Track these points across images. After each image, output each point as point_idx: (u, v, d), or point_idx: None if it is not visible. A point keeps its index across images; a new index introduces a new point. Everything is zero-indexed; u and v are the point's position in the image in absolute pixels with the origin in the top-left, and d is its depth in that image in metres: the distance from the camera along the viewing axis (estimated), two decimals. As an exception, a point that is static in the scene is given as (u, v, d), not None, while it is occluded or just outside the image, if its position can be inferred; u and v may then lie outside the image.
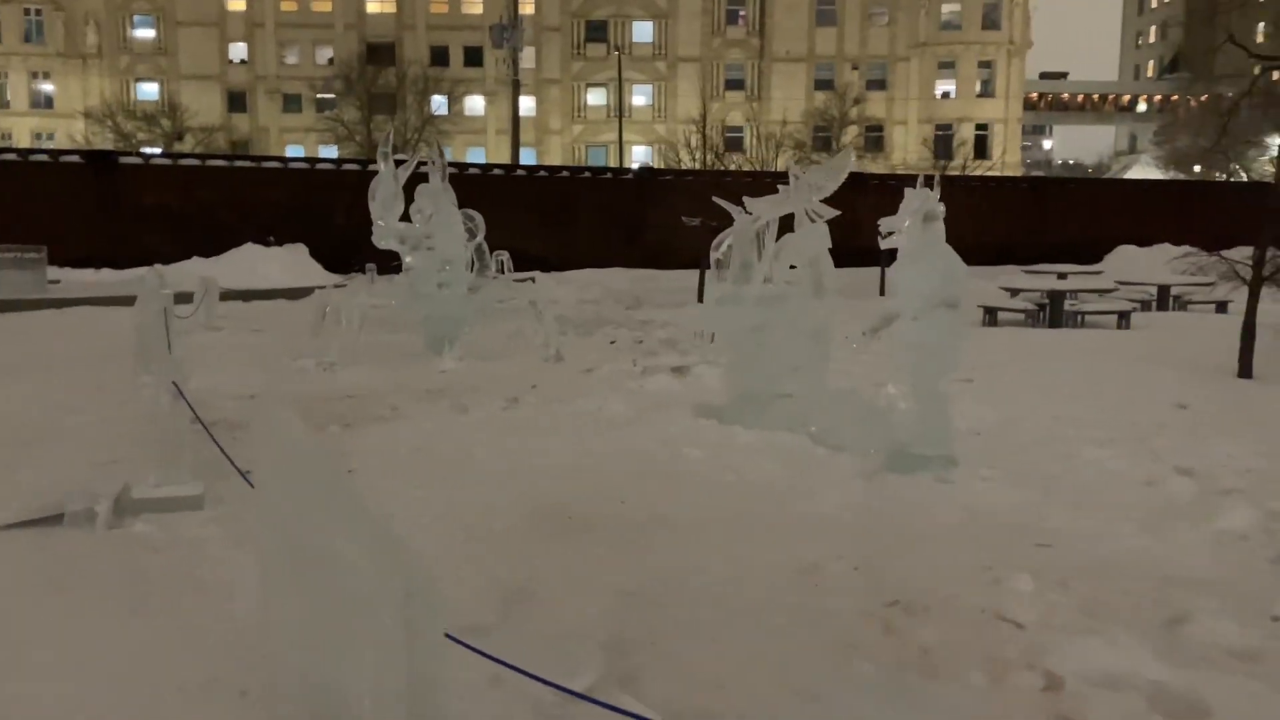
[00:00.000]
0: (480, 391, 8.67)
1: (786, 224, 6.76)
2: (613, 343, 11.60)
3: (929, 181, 5.42)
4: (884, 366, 8.90)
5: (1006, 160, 50.10)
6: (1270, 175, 51.22)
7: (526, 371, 9.77)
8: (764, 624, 3.82)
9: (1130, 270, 22.34)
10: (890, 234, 5.63)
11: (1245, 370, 9.65)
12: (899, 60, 52.21)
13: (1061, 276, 20.18)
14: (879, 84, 51.15)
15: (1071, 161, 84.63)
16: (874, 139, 49.82)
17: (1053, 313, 14.04)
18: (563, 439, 6.84)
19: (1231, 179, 49.50)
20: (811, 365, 6.43)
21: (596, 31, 53.75)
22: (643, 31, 53.28)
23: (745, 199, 6.92)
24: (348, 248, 21.44)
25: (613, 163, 48.74)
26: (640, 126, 53.19)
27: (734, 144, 47.69)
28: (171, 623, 3.86)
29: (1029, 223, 28.40)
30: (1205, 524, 4.56)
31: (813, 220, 6.38)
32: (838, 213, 6.32)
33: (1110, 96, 79.39)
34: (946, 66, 51.87)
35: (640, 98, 53.64)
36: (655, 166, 36.35)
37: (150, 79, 55.91)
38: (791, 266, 6.54)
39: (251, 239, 21.23)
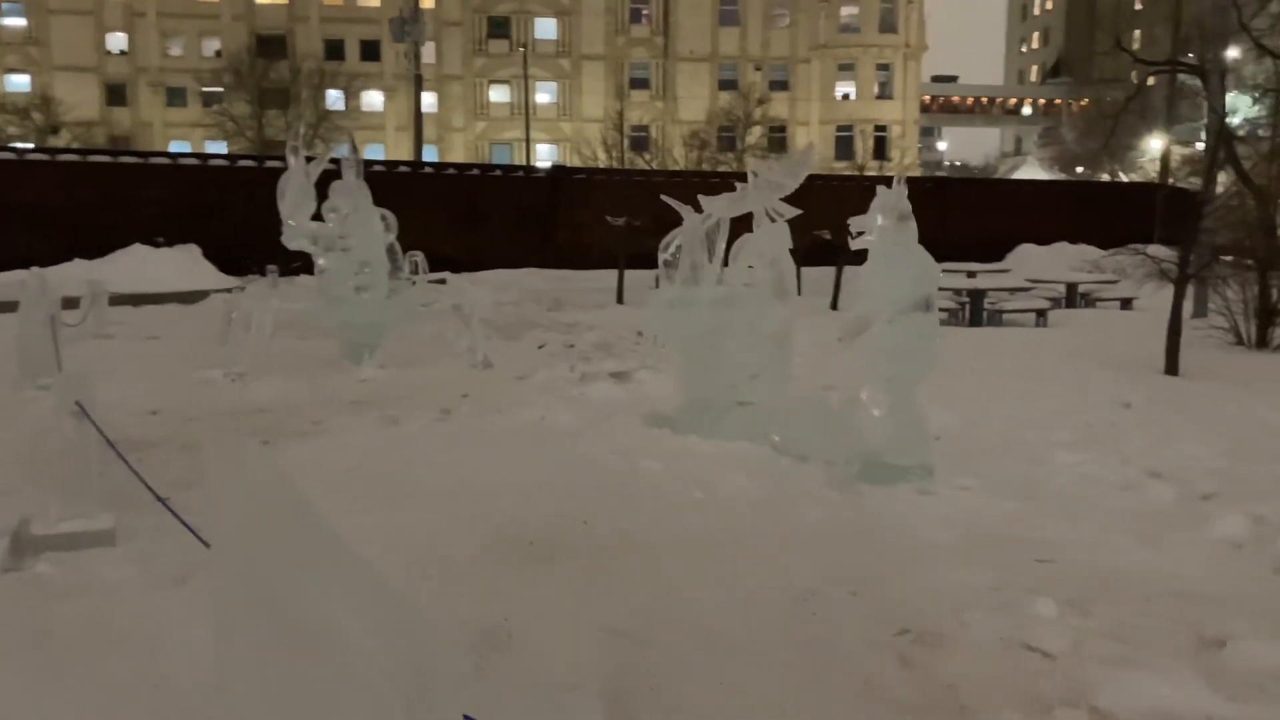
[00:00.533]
0: (408, 402, 8.15)
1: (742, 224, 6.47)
2: (541, 347, 11.16)
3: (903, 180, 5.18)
4: (835, 370, 8.79)
5: (905, 161, 51.23)
6: (1150, 177, 53.66)
7: (454, 379, 9.26)
8: (769, 661, 3.49)
9: (1033, 268, 22.92)
10: (861, 234, 5.38)
11: (1172, 368, 9.80)
12: (800, 62, 52.85)
13: (970, 275, 20.56)
14: (782, 85, 51.69)
15: (959, 163, 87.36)
16: (778, 139, 50.28)
17: (973, 311, 14.16)
18: (508, 453, 6.40)
19: (1115, 179, 51.58)
20: (773, 371, 6.14)
21: (499, 27, 52.88)
22: (546, 28, 52.66)
23: (701, 198, 6.59)
24: (243, 248, 20.41)
25: (518, 161, 48.04)
26: (545, 125, 52.55)
27: (640, 143, 47.51)
28: (86, 687, 3.31)
29: (932, 222, 28.90)
30: (1198, 533, 4.43)
31: (773, 219, 6.09)
32: (799, 211, 6.05)
33: (998, 100, 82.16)
34: (846, 68, 52.75)
35: (545, 95, 52.99)
36: (568, 165, 35.72)
37: (20, 70, 52.65)
38: (749, 267, 6.24)
39: (139, 239, 20.02)
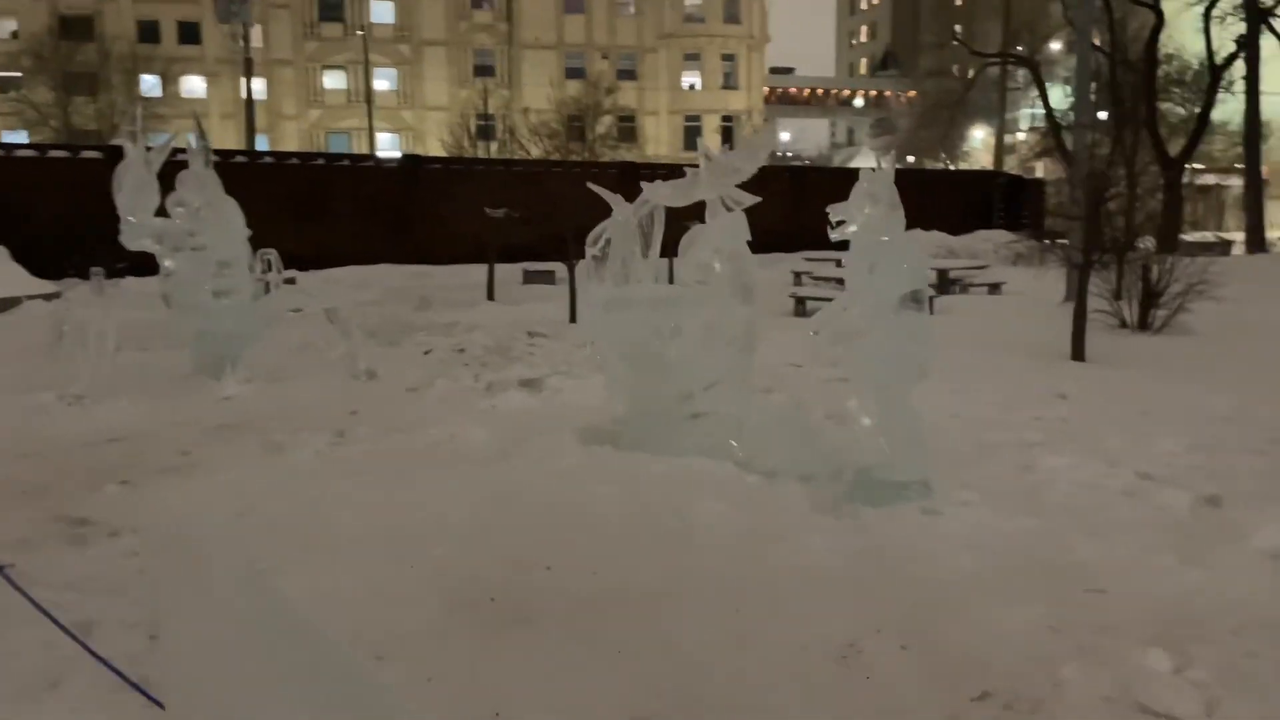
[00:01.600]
0: (288, 423, 7.09)
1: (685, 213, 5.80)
2: (428, 353, 10.17)
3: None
4: (776, 372, 8.27)
5: (752, 150, 51.93)
6: (979, 165, 56.31)
7: (335, 394, 8.22)
8: (838, 747, 2.85)
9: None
10: (841, 223, 4.81)
11: (1079, 353, 9.79)
12: (648, 51, 52.56)
13: (838, 264, 20.62)
14: (629, 74, 51.27)
15: (790, 155, 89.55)
16: (627, 129, 49.87)
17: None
18: (429, 485, 5.52)
19: (946, 168, 53.72)
20: (733, 379, 5.51)
21: (332, 10, 50.16)
22: (383, 12, 50.31)
23: (645, 184, 5.89)
24: (58, 249, 18.29)
25: (357, 150, 45.73)
26: (386, 113, 50.29)
27: (486, 132, 46.10)
28: None
29: (789, 211, 29.10)
30: (1236, 546, 4.08)
31: (729, 209, 5.45)
32: (758, 199, 5.43)
33: (832, 91, 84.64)
34: (692, 58, 52.83)
35: (384, 82, 50.67)
36: (422, 154, 34.04)
37: None
38: (708, 263, 5.58)
39: (-67, 240, 17.62)
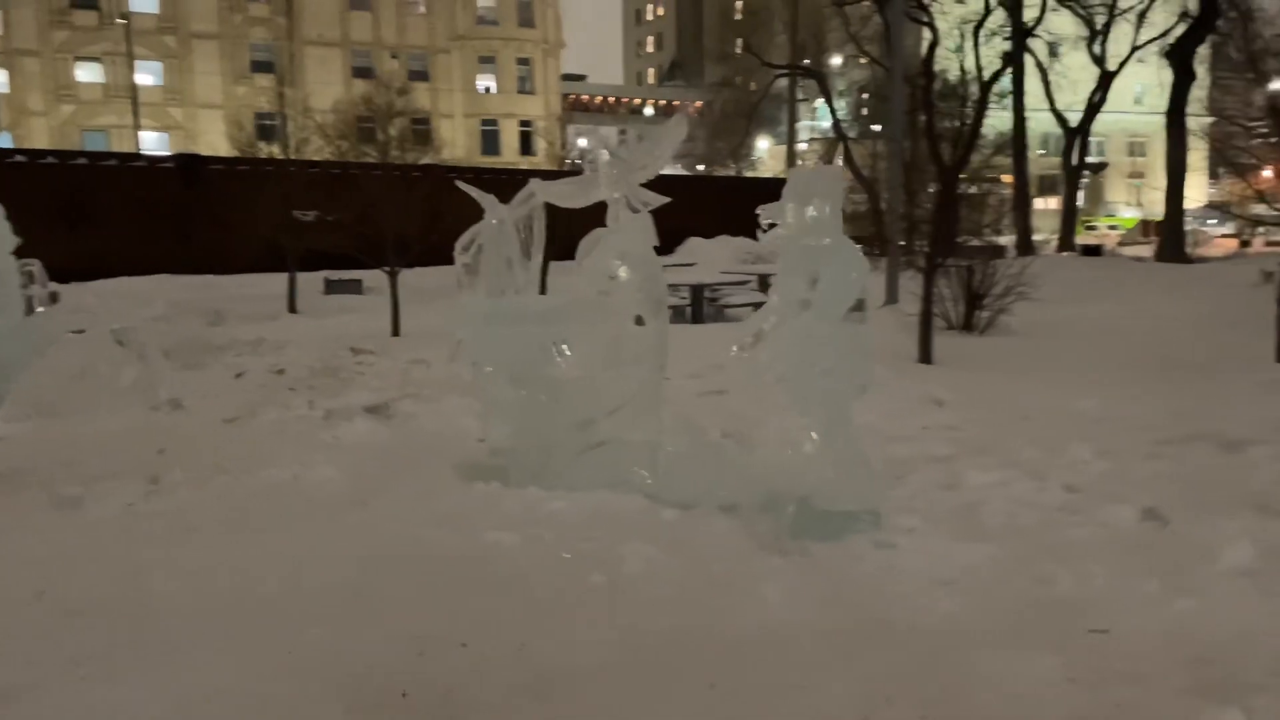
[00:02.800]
0: (81, 470, 5.89)
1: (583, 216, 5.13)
2: (239, 376, 8.93)
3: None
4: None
5: (550, 156, 51.36)
6: (766, 174, 58.32)
7: (135, 431, 6.98)
8: None
9: (704, 260, 23.42)
10: (772, 225, 4.31)
11: (925, 356, 9.85)
12: (440, 52, 50.87)
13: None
14: (421, 75, 49.43)
15: (576, 161, 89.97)
16: (421, 132, 48.11)
17: (696, 307, 13.74)
18: (281, 538, 4.60)
19: (736, 175, 55.09)
20: (642, 402, 4.89)
21: (85, -4, 45.45)
22: (145, 0, 46.06)
23: (534, 182, 5.17)
24: None
25: (118, 149, 41.58)
26: (151, 109, 46.08)
27: (268, 132, 43.15)
28: None
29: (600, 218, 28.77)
30: (1208, 566, 3.87)
31: (635, 211, 4.83)
32: (667, 199, 4.84)
33: (623, 99, 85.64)
34: (487, 61, 51.61)
35: (148, 77, 46.38)
36: (206, 154, 31.08)
37: None
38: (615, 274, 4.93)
39: None
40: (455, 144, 49.33)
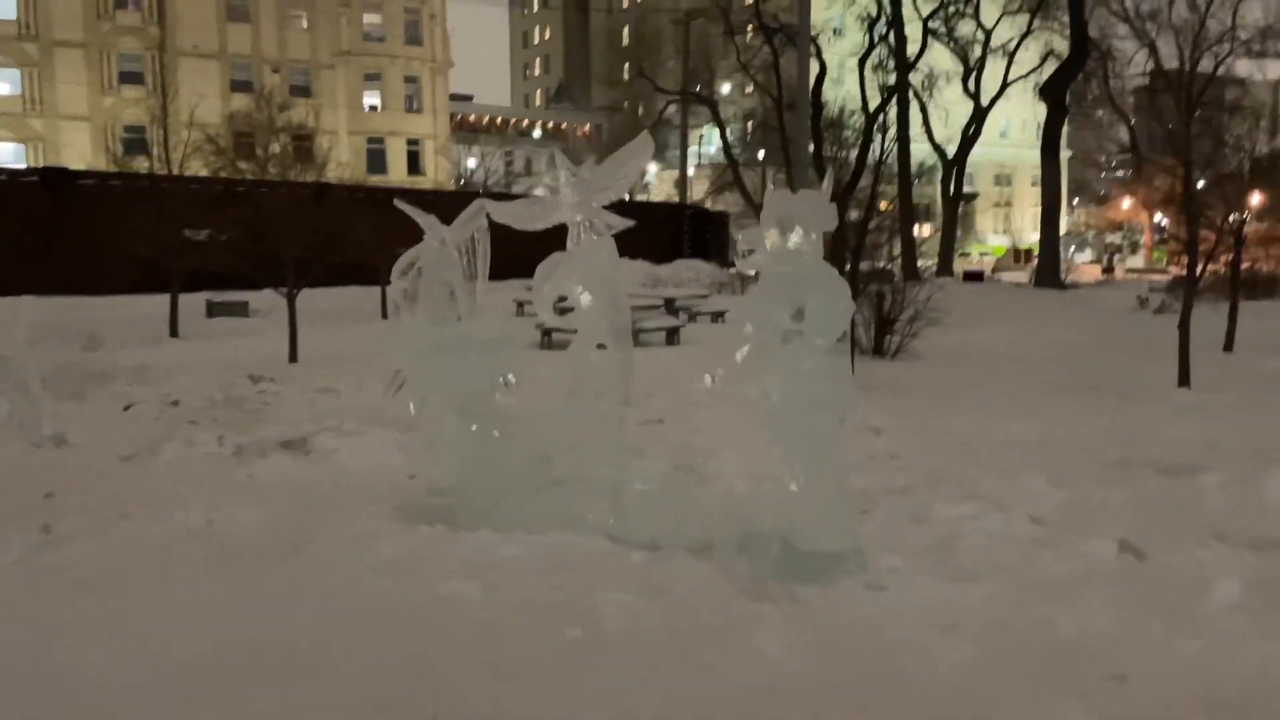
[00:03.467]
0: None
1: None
2: (128, 408, 8.20)
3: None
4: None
5: (439, 177, 50.31)
6: (657, 198, 58.69)
7: (14, 470, 6.29)
8: None
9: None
10: (750, 252, 4.09)
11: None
12: (323, 68, 49.28)
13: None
14: (304, 91, 47.78)
15: (462, 183, 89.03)
16: (304, 149, 46.52)
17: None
18: (206, 593, 4.12)
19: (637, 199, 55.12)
20: (605, 437, 4.59)
21: (-71, -3, 42.31)
22: (2, 6, 43.18)
23: (488, 203, 4.83)
24: None
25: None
26: (9, 120, 43.18)
27: (137, 146, 41.01)
28: None
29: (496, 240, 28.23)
30: (1201, 602, 3.81)
31: (597, 234, 4.55)
32: (631, 223, 4.57)
33: (511, 121, 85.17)
34: (373, 78, 50.30)
35: (4, 85, 43.51)
36: (71, 168, 29.10)
37: None
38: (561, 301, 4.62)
39: None
40: (340, 162, 47.89)
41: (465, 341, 4.91)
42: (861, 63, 34.65)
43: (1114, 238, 61.94)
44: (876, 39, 34.43)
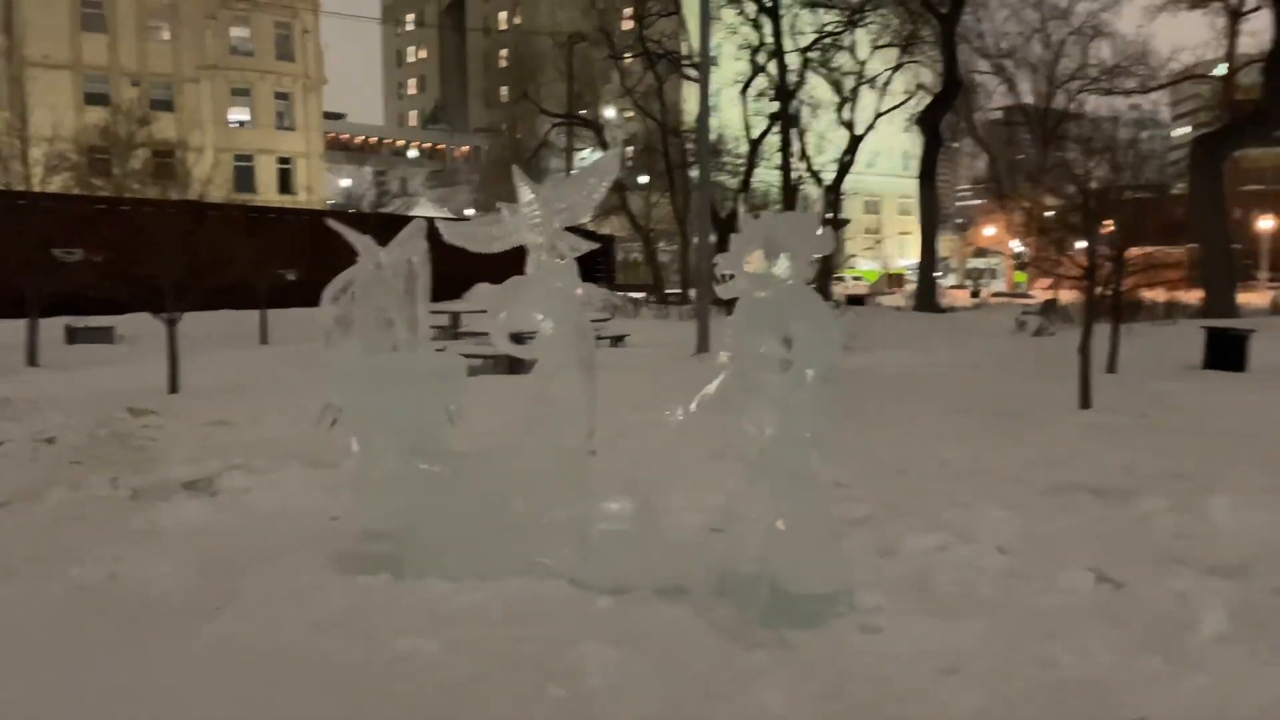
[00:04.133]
0: None
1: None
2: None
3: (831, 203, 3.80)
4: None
5: (312, 196, 48.64)
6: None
7: None
8: None
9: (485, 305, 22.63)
10: (730, 277, 3.87)
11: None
12: (187, 81, 47.07)
13: (455, 316, 19.64)
14: (166, 105, 45.49)
15: (334, 203, 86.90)
16: (165, 165, 44.24)
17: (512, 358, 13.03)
18: (122, 662, 3.62)
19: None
20: (568, 474, 4.27)
21: None
22: None
23: (443, 225, 4.46)
24: None
25: None
26: None
27: (-22, 160, 38.12)
28: None
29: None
30: (1191, 633, 3.75)
31: (561, 257, 4.25)
32: (596, 245, 4.29)
33: (386, 140, 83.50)
34: (241, 94, 48.33)
35: None
36: None
37: None
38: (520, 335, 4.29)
39: None
40: (206, 180, 45.80)
41: (408, 372, 4.53)
42: (744, 89, 35.25)
43: (977, 263, 64.95)
44: (758, 68, 35.10)
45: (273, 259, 18.93)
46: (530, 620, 3.91)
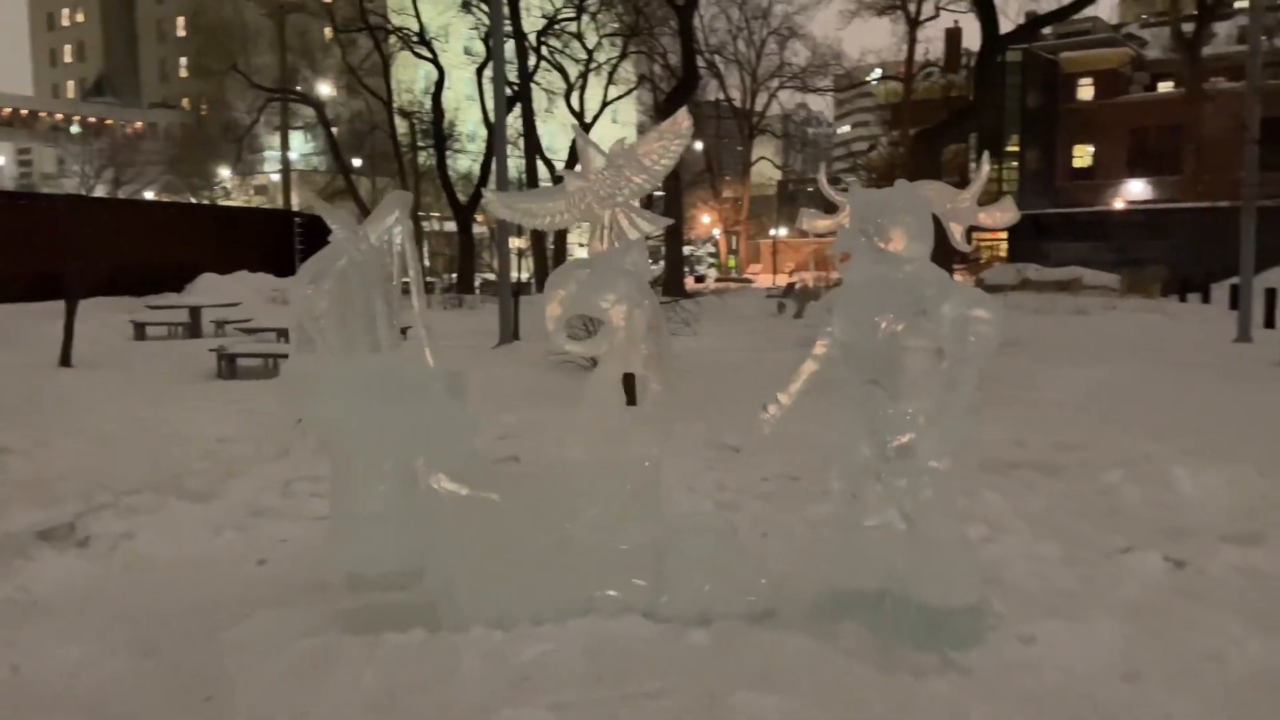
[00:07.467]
0: None
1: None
2: None
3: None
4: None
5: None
6: (231, 203, 53.66)
7: None
8: None
9: (228, 298, 20.27)
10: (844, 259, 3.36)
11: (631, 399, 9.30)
12: None
13: (195, 309, 17.43)
14: None
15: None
16: None
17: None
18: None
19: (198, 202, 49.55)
20: (641, 495, 3.55)
21: None
22: None
23: (492, 196, 3.55)
24: None
25: None
26: None
27: None
28: None
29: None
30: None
31: (627, 235, 3.51)
32: (671, 221, 3.58)
33: (40, 113, 73.45)
34: None
35: None
36: None
37: None
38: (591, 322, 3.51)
39: None
40: None
41: (414, 380, 3.62)
42: (479, 72, 34.18)
43: (691, 249, 67.83)
44: (491, 50, 34.15)
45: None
46: (628, 670, 3.21)
